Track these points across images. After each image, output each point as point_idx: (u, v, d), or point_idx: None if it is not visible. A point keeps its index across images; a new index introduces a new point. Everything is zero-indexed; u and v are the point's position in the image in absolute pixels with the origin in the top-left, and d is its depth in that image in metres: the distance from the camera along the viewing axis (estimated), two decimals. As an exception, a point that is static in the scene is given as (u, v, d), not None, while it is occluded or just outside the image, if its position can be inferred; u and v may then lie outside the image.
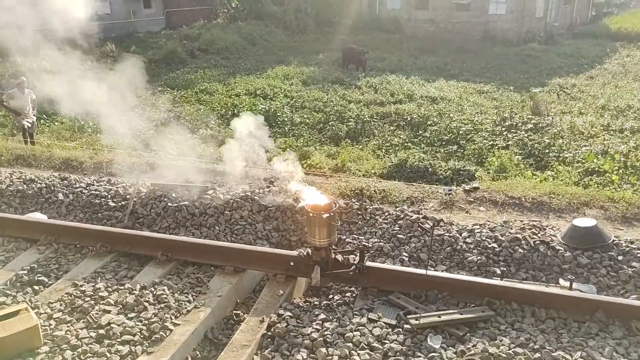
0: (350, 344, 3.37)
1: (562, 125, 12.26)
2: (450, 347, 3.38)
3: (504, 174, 9.05)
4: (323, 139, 12.51)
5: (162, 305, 3.83)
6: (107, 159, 7.63)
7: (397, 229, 5.29)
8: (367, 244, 5.08)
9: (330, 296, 4.24)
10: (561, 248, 4.75)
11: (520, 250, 4.79)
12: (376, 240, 5.17)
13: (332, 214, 3.94)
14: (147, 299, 3.87)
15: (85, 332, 3.51)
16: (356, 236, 5.30)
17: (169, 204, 5.81)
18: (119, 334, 3.48)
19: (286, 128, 13.13)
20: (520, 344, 3.37)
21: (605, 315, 3.61)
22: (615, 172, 8.60)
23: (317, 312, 3.76)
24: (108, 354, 3.30)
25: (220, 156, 7.90)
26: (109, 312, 3.72)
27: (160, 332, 3.52)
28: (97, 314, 3.68)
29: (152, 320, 3.63)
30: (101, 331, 3.50)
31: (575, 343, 3.41)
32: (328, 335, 3.45)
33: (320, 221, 3.93)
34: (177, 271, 4.47)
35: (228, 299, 4.13)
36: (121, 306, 3.81)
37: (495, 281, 4.05)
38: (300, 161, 10.15)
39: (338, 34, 30.65)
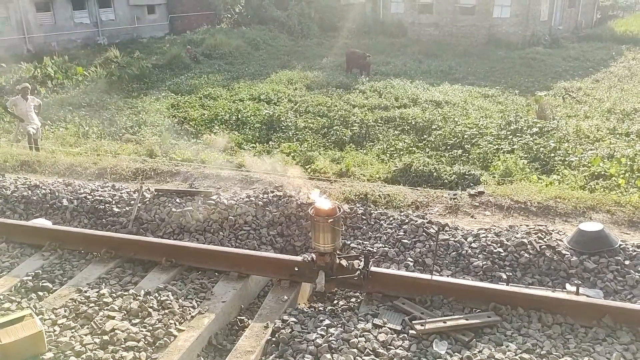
0: (355, 350, 3.35)
1: (567, 129, 12.21)
2: (456, 353, 3.35)
3: (509, 178, 9.01)
4: (327, 144, 12.51)
5: (166, 311, 3.81)
6: (111, 165, 7.64)
7: (402, 233, 5.27)
8: (371, 249, 5.05)
9: (335, 302, 4.23)
10: (567, 253, 4.71)
11: (526, 255, 4.75)
12: (381, 245, 5.15)
13: (336, 218, 3.93)
14: (151, 305, 3.86)
15: (90, 338, 3.50)
16: (361, 241, 5.28)
17: (173, 209, 5.81)
18: (123, 340, 3.47)
19: (290, 133, 13.15)
20: (527, 350, 3.35)
21: (613, 320, 3.58)
22: (622, 175, 8.55)
23: (321, 318, 3.74)
24: (112, 360, 3.29)
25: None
26: (113, 318, 3.71)
27: (165, 338, 3.51)
28: (101, 319, 3.68)
29: (156, 326, 3.63)
30: (105, 337, 3.50)
31: (582, 349, 3.38)
32: (333, 341, 3.43)
33: (324, 226, 3.92)
34: (181, 277, 4.45)
35: (232, 305, 4.12)
36: (125, 312, 3.80)
37: (501, 286, 4.02)
38: (305, 166, 10.16)
39: (341, 38, 30.70)
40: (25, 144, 10.80)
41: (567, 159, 10.18)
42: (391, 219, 5.55)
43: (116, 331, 3.53)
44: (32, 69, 19.71)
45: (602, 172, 8.90)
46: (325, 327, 3.60)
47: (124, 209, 5.97)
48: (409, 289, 3.99)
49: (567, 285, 4.29)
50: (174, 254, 4.55)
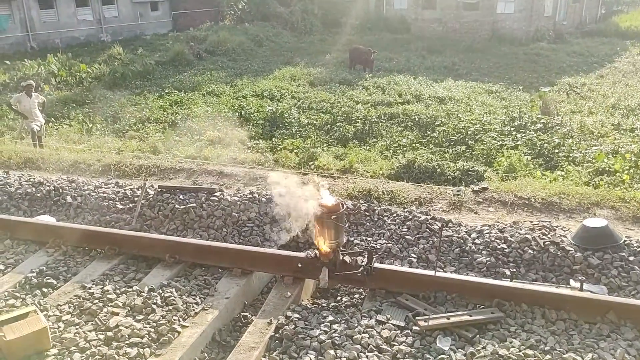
0: (358, 346, 3.36)
1: (571, 125, 12.15)
2: (459, 349, 3.35)
3: (513, 174, 8.98)
4: (330, 140, 12.48)
5: (170, 307, 3.83)
6: (114, 162, 7.65)
7: (405, 230, 5.26)
8: (375, 245, 5.05)
9: (338, 298, 4.23)
10: (571, 249, 4.70)
11: (530, 251, 4.74)
12: (384, 241, 5.14)
13: (339, 215, 3.93)
14: (155, 301, 3.87)
15: (94, 335, 3.52)
16: (364, 237, 5.28)
17: (177, 206, 5.81)
18: (127, 336, 3.49)
19: (293, 129, 13.11)
20: (531, 346, 3.34)
21: (617, 316, 3.57)
22: (626, 171, 8.50)
23: (325, 314, 3.75)
24: (116, 356, 3.30)
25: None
26: (117, 314, 3.72)
27: (168, 334, 3.52)
28: (105, 316, 3.69)
29: (160, 322, 3.64)
30: (109, 333, 3.51)
31: (586, 345, 3.37)
32: (336, 337, 3.43)
33: (328, 223, 3.91)
34: (184, 273, 4.47)
35: (236, 301, 4.13)
36: (129, 308, 3.81)
37: (505, 282, 4.02)
38: (308, 162, 10.15)
39: (345, 34, 30.60)
40: (29, 141, 10.83)
41: (571, 154, 10.13)
42: (394, 215, 5.54)
43: (120, 327, 3.55)
44: (35, 66, 19.74)
45: (607, 168, 8.86)
46: (328, 324, 3.61)
47: (128, 206, 5.98)
48: (413, 285, 3.99)
49: (571, 281, 4.28)
50: (178, 250, 4.56)
